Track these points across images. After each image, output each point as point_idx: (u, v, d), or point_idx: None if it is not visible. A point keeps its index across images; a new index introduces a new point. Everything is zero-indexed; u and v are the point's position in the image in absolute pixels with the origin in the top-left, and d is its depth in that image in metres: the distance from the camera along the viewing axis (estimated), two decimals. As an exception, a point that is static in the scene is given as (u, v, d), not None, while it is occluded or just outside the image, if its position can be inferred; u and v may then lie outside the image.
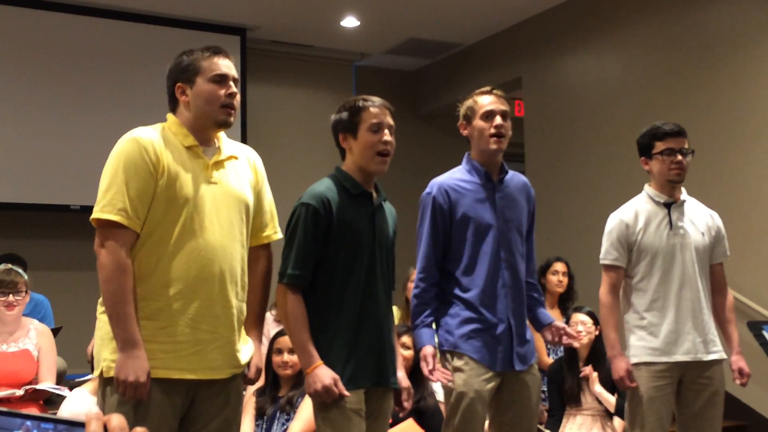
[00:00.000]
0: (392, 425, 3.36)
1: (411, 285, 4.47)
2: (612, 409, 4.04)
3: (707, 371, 3.17)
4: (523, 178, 3.03)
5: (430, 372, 2.71)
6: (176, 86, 2.38)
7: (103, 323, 2.28)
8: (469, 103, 2.92)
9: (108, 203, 2.23)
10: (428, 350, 2.74)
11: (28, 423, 0.83)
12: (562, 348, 4.45)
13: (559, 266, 4.91)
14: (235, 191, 2.40)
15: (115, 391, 2.20)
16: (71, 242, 6.36)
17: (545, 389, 4.37)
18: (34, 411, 3.49)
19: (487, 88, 2.94)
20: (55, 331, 4.20)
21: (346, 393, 2.41)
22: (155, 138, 2.31)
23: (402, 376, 2.63)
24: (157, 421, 2.21)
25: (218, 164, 2.39)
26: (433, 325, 2.84)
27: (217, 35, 6.67)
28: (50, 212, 6.39)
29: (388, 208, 2.68)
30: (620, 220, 3.27)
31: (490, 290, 2.80)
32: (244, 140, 6.35)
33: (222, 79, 2.36)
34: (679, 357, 3.14)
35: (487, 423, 2.88)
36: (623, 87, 6.05)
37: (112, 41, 6.54)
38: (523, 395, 2.82)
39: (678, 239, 3.20)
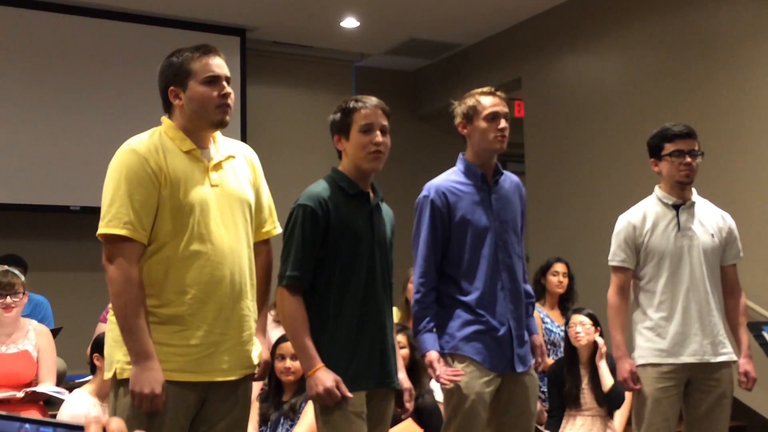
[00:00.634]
0: (392, 426, 3.36)
1: (410, 286, 4.48)
2: (605, 389, 4.04)
3: (715, 373, 3.17)
4: (515, 177, 3.03)
5: (438, 377, 2.71)
6: (169, 90, 2.36)
7: (115, 324, 2.29)
8: (470, 102, 2.90)
9: (113, 217, 2.23)
10: (434, 355, 2.74)
11: (27, 426, 0.83)
12: (562, 349, 4.45)
13: (560, 267, 4.90)
14: (237, 192, 2.40)
15: (128, 393, 2.21)
16: (71, 243, 6.37)
17: (544, 390, 4.37)
18: (33, 413, 3.50)
19: (489, 89, 2.93)
20: (55, 332, 4.19)
21: (349, 394, 2.40)
22: (153, 147, 2.29)
23: (403, 377, 2.62)
24: (170, 423, 2.23)
25: (217, 166, 2.38)
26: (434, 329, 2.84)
27: (216, 36, 6.66)
28: (50, 213, 6.39)
29: (385, 209, 2.67)
30: (628, 222, 3.27)
31: (489, 293, 2.80)
32: (243, 141, 6.34)
33: (214, 80, 2.34)
34: (686, 358, 3.14)
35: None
36: (623, 87, 6.05)
37: (112, 42, 6.53)
38: (521, 396, 2.83)
39: (686, 241, 3.20)
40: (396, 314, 3.93)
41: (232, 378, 2.35)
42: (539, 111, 6.87)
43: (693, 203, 3.27)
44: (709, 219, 3.28)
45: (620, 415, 4.19)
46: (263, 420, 3.43)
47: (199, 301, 2.27)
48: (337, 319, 2.47)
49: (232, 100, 2.39)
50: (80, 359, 4.53)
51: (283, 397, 3.47)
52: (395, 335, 3.69)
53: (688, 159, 3.20)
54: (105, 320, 4.45)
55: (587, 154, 6.31)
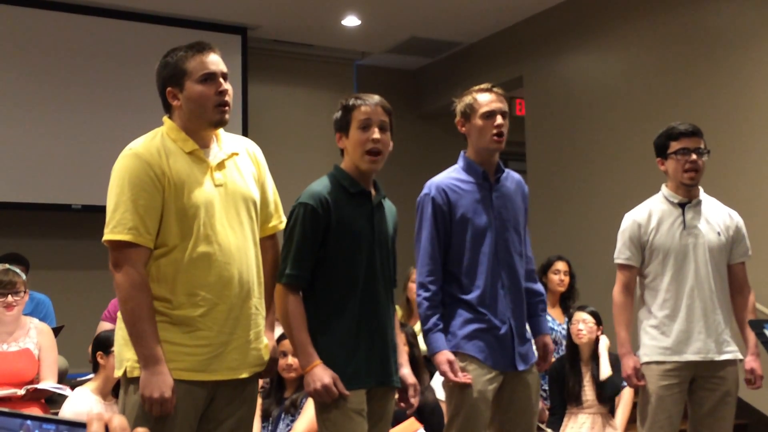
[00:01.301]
0: (395, 424, 3.36)
1: (411, 285, 4.49)
2: (602, 377, 4.05)
3: (720, 371, 3.17)
4: (517, 176, 3.03)
5: (451, 379, 2.70)
6: (167, 92, 2.35)
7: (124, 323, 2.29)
8: (468, 100, 2.89)
9: (118, 223, 2.23)
10: (448, 355, 2.73)
11: (29, 423, 0.83)
12: (563, 347, 4.46)
13: (561, 265, 4.90)
14: (242, 190, 2.39)
15: (138, 391, 2.22)
16: (72, 241, 6.37)
17: (546, 388, 4.37)
18: (35, 410, 3.50)
19: (487, 86, 2.92)
20: (57, 331, 4.20)
21: (346, 392, 2.40)
22: (156, 150, 2.29)
23: (408, 373, 2.62)
24: (179, 421, 2.24)
25: (220, 165, 2.38)
26: None
27: (218, 34, 6.66)
28: (51, 211, 6.39)
29: (388, 205, 2.66)
30: (633, 220, 3.28)
31: (490, 291, 2.80)
32: (245, 139, 6.35)
33: (211, 77, 2.32)
34: (690, 356, 3.15)
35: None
36: (624, 86, 6.05)
37: (113, 41, 6.54)
38: (523, 394, 2.83)
39: (691, 239, 3.20)
40: (397, 313, 3.92)
41: (241, 377, 2.35)
42: (541, 109, 6.87)
43: (699, 201, 3.27)
44: (716, 217, 3.27)
45: (621, 413, 4.19)
46: (265, 416, 3.45)
47: (210, 303, 2.28)
48: (336, 317, 2.47)
49: (230, 96, 2.36)
50: (82, 357, 4.54)
51: (284, 393, 3.49)
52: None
53: (694, 157, 3.20)
54: (106, 318, 4.46)
55: (588, 152, 6.31)
